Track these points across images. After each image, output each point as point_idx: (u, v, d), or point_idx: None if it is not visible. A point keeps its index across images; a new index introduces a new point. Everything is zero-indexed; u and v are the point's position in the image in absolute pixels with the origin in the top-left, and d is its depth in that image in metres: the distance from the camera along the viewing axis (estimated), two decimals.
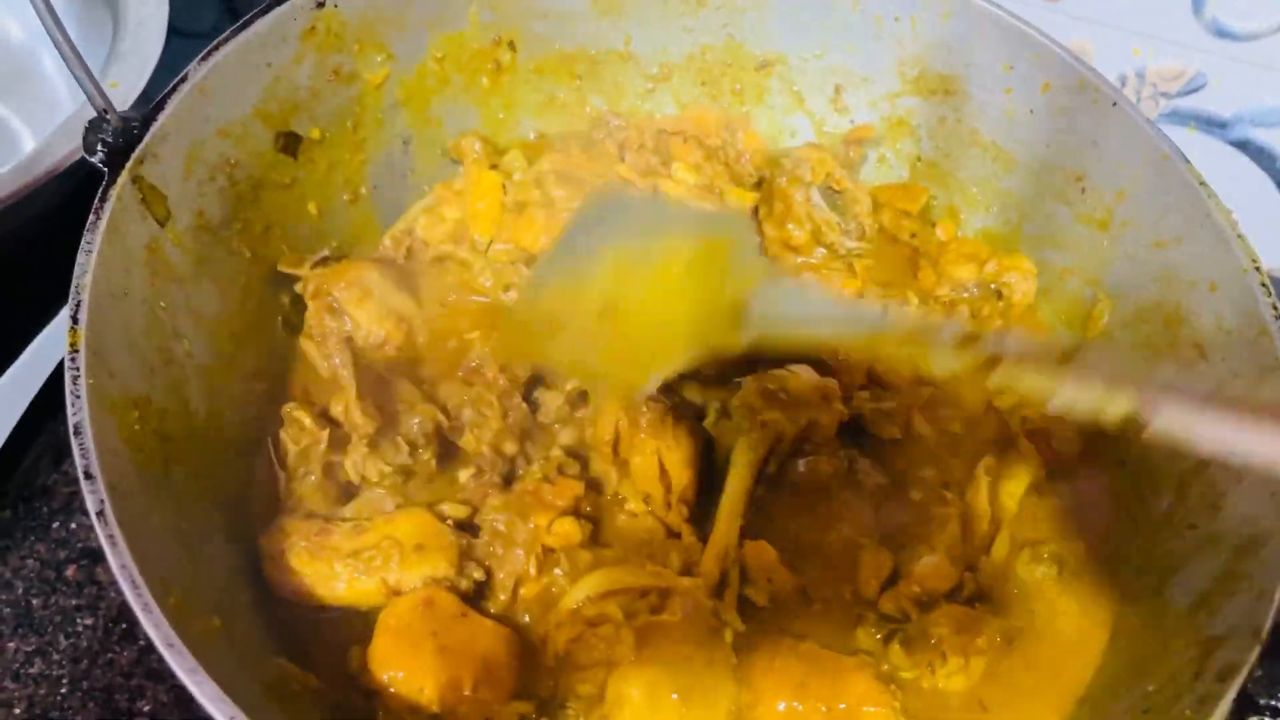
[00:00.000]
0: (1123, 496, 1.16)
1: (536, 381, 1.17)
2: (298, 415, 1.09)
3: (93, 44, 1.46)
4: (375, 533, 1.02)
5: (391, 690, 0.94)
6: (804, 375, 1.14)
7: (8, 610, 1.16)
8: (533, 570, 1.03)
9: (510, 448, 1.10)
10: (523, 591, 1.03)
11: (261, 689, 0.86)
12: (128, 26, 1.42)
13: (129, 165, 0.98)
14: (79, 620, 1.16)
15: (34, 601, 1.17)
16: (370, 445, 1.06)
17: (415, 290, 1.23)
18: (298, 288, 1.19)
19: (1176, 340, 1.14)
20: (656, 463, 1.07)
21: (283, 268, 1.18)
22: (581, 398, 1.13)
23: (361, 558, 1.00)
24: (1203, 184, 1.11)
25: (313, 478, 1.07)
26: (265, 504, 1.08)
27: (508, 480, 1.10)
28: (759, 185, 1.36)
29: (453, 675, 0.94)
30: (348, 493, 1.09)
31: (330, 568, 1.00)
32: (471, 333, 1.18)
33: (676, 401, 1.12)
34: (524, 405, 1.13)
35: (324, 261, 1.20)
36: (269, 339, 1.19)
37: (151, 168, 1.01)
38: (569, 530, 1.04)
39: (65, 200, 1.27)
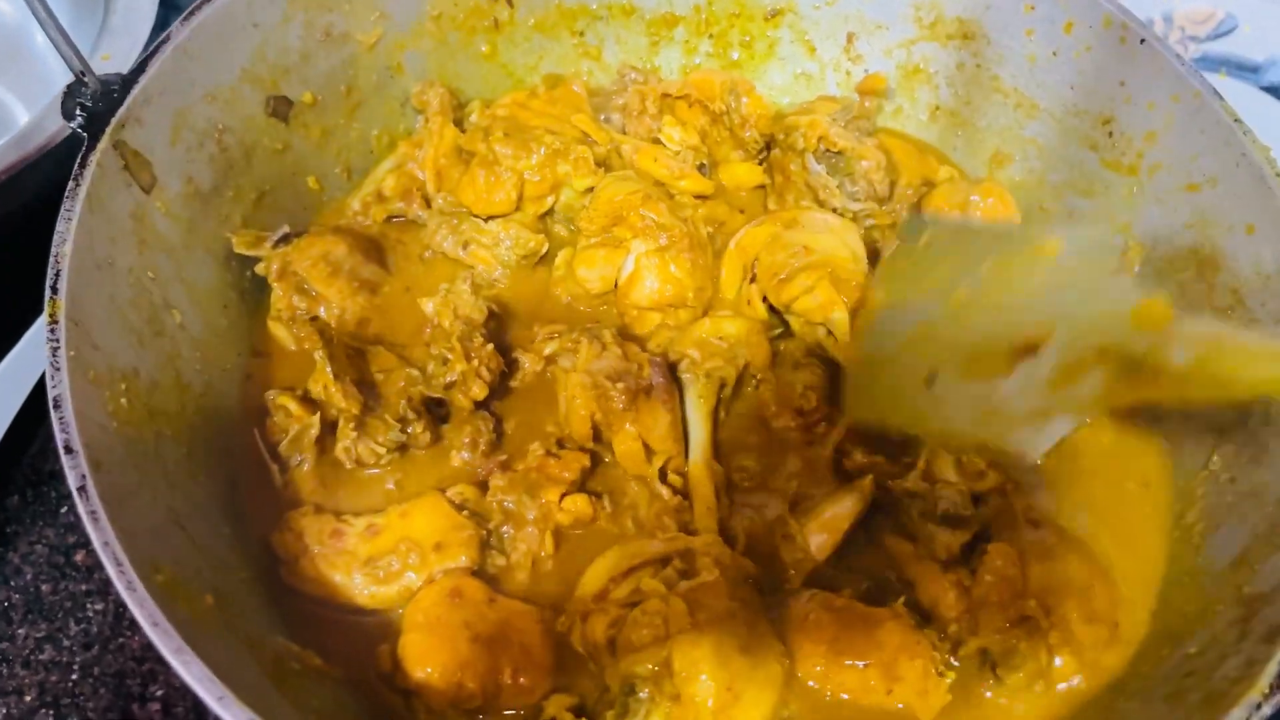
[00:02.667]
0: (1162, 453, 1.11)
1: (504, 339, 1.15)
2: (283, 402, 1.04)
3: (84, 18, 1.43)
4: (391, 533, 0.98)
5: (431, 687, 0.89)
6: (734, 322, 1.13)
7: (17, 597, 1.15)
8: (549, 548, 1.00)
9: (479, 390, 1.05)
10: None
11: (259, 668, 0.83)
12: (119, 3, 1.39)
13: (109, 130, 0.95)
14: (89, 606, 1.15)
15: (44, 587, 1.16)
16: (358, 426, 1.02)
17: (386, 256, 1.20)
18: (259, 269, 1.13)
19: (1212, 286, 1.09)
20: (640, 446, 1.04)
21: (239, 249, 1.12)
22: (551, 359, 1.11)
23: (381, 564, 0.97)
24: (1237, 121, 1.06)
25: (307, 466, 1.03)
26: (259, 487, 1.04)
27: (498, 437, 1.08)
28: (766, 150, 1.31)
29: (491, 664, 0.90)
30: (347, 476, 1.05)
31: (349, 576, 0.96)
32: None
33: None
34: (489, 346, 1.08)
35: (285, 239, 1.14)
36: (265, 310, 1.15)
37: (134, 132, 0.98)
38: (580, 506, 1.01)
39: (63, 178, 1.25)
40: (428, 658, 0.90)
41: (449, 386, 1.05)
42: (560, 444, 1.06)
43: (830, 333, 1.12)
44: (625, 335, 1.14)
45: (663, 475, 1.04)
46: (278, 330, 1.12)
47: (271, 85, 1.14)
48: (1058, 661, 0.93)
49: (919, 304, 0.99)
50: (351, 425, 1.01)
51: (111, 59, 1.32)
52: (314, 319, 1.08)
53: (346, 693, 0.91)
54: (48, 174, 1.22)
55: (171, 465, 0.93)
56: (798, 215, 1.20)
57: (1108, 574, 0.97)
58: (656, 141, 1.28)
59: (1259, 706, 0.77)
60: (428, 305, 1.09)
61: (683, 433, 1.08)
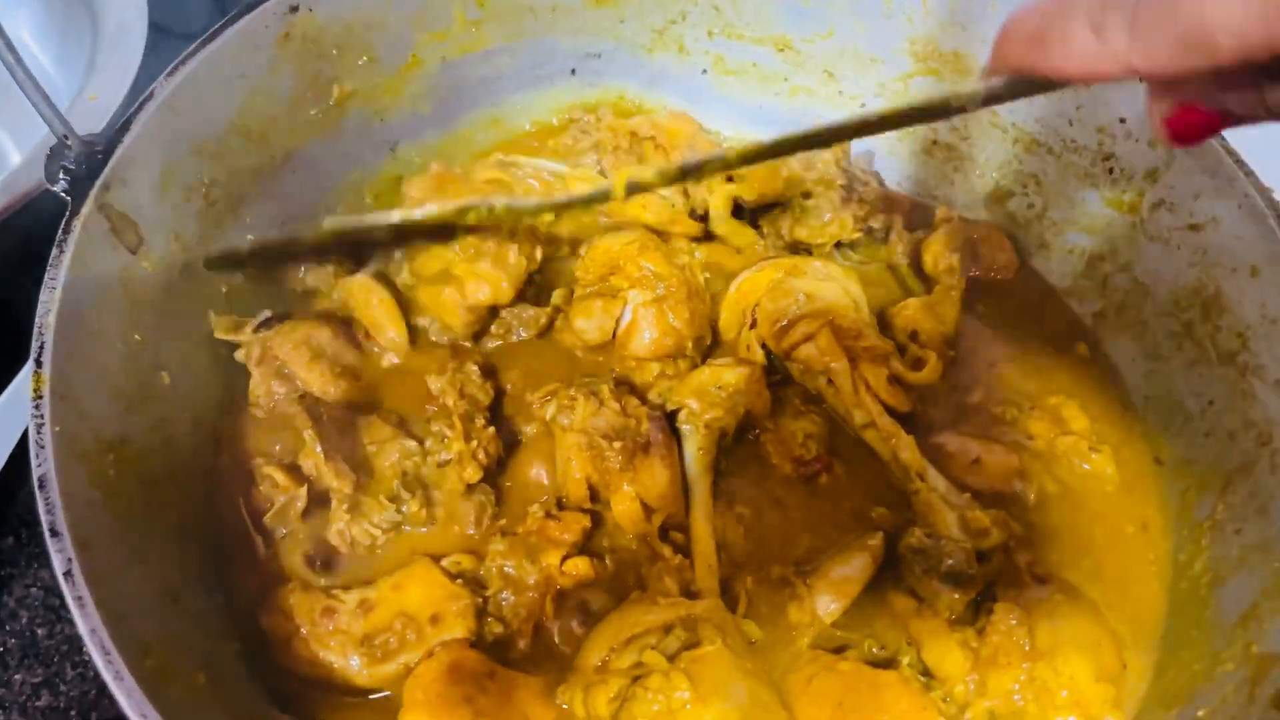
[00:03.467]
0: (1164, 499, 1.10)
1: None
2: (269, 471, 1.02)
3: (71, 55, 1.41)
4: (385, 608, 0.96)
5: None
6: (734, 370, 1.11)
7: (13, 641, 1.13)
8: (549, 612, 0.98)
9: (473, 473, 1.04)
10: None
11: None
12: (107, 35, 1.37)
13: (94, 193, 0.93)
14: (85, 649, 1.12)
15: (39, 631, 1.14)
16: (351, 506, 1.00)
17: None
18: (238, 355, 1.10)
19: (1217, 330, 1.08)
20: (638, 506, 1.03)
21: (219, 334, 1.09)
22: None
23: (378, 643, 0.94)
24: (1239, 162, 1.04)
25: (295, 542, 1.01)
26: (242, 553, 1.02)
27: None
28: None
29: None
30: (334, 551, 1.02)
31: (345, 657, 0.94)
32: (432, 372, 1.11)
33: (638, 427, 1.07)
34: (490, 430, 1.07)
35: (267, 323, 1.10)
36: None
37: (120, 194, 0.96)
38: (582, 569, 1.00)
39: (57, 215, 1.23)
40: None
41: (443, 464, 1.03)
42: (560, 504, 1.04)
43: (830, 382, 1.11)
44: (622, 383, 1.13)
45: (663, 533, 1.03)
46: (257, 416, 1.09)
47: (260, 136, 1.12)
48: None
49: None
50: (345, 506, 0.99)
51: (99, 98, 1.30)
52: (302, 396, 1.06)
53: None
54: (38, 216, 1.21)
55: (161, 535, 0.92)
56: (799, 263, 1.19)
57: (1115, 632, 0.96)
58: None
59: None
60: (434, 383, 1.08)
61: (682, 487, 1.06)
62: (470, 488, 1.04)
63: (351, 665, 0.93)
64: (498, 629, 0.97)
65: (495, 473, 1.07)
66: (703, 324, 1.17)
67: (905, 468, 1.06)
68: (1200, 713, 0.88)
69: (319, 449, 0.99)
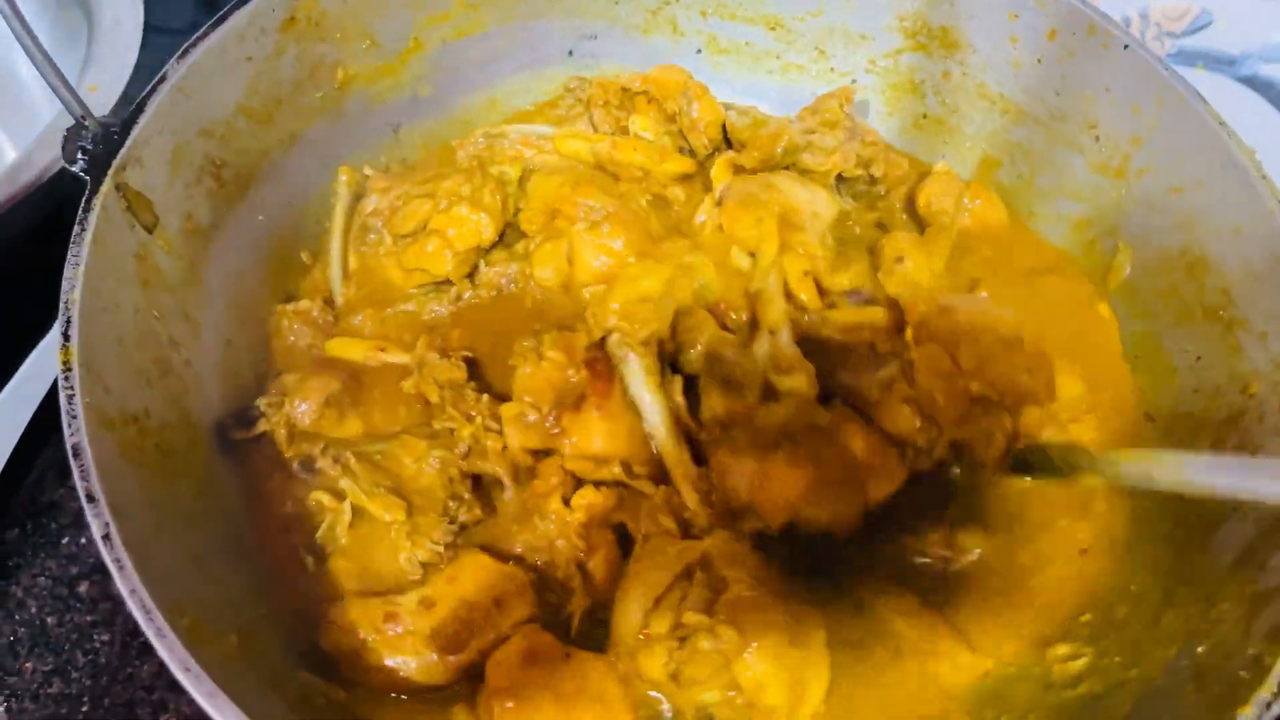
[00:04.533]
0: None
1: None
2: (316, 498, 1.03)
3: (66, 48, 1.42)
4: (446, 603, 0.96)
5: None
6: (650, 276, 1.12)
7: (23, 630, 1.14)
8: (581, 545, 1.00)
9: (495, 442, 1.05)
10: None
11: (285, 705, 0.84)
12: (103, 27, 1.38)
13: (111, 172, 0.94)
14: (95, 636, 1.14)
15: (49, 620, 1.15)
16: (411, 531, 1.01)
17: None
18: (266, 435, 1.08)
19: (1203, 287, 1.11)
20: (587, 462, 1.04)
21: (236, 436, 1.07)
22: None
23: (447, 635, 0.94)
24: (1222, 124, 1.08)
25: (351, 560, 1.00)
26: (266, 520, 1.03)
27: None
28: (711, 155, 1.32)
29: None
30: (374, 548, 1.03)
31: (420, 655, 0.94)
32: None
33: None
34: (484, 398, 1.08)
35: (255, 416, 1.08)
36: (268, 343, 1.15)
37: (135, 173, 0.97)
38: (590, 497, 1.01)
39: (54, 211, 1.25)
40: None
41: (466, 456, 1.04)
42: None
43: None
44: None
45: (629, 472, 1.03)
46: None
47: (266, 118, 1.14)
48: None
49: None
50: (405, 533, 1.00)
51: (98, 89, 1.31)
52: (325, 448, 1.05)
53: None
54: (36, 211, 1.22)
55: (186, 504, 0.94)
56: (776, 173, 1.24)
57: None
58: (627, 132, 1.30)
59: (1269, 705, 0.79)
60: (410, 385, 1.09)
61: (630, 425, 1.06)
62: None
63: (429, 660, 0.94)
64: (553, 598, 0.99)
65: None
66: (649, 240, 1.18)
67: (761, 322, 1.11)
68: (1199, 649, 0.91)
69: (361, 491, 1.00)
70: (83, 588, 1.17)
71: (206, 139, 1.07)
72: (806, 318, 1.14)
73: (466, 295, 1.19)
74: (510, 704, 0.89)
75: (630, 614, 0.95)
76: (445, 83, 1.31)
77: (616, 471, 1.03)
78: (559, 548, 1.00)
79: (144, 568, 0.78)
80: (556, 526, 1.01)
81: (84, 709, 1.10)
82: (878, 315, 1.14)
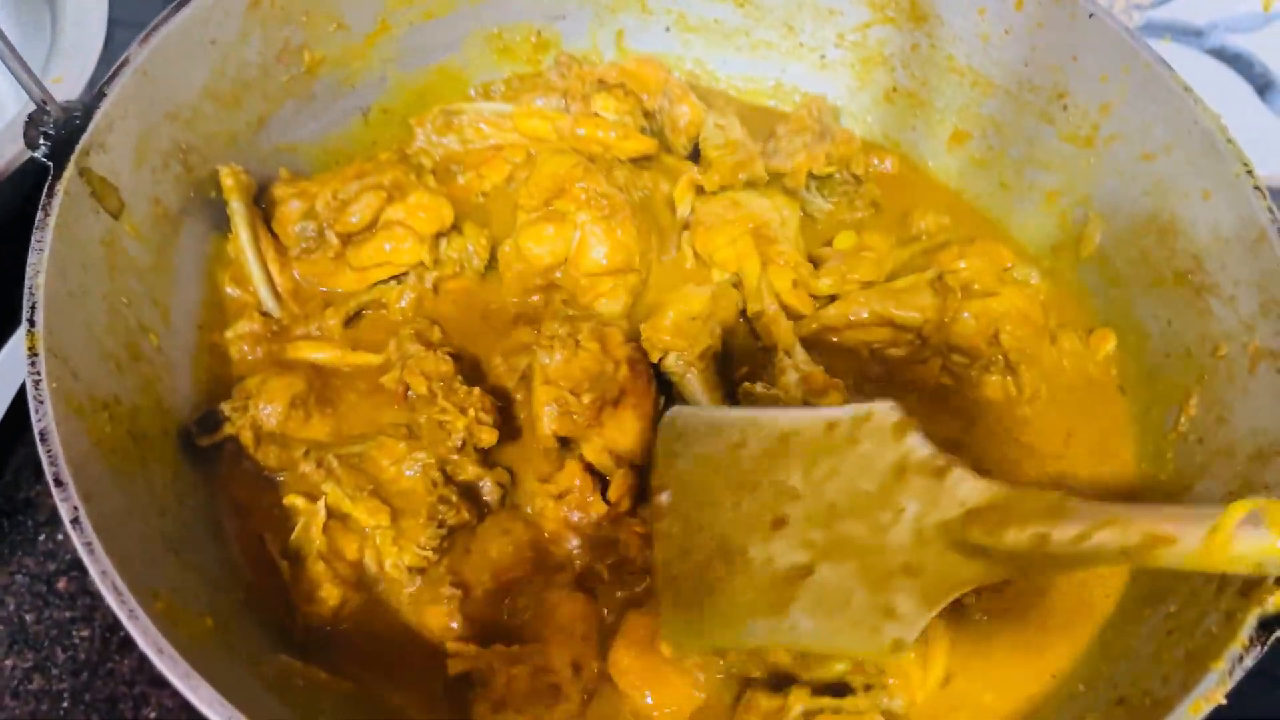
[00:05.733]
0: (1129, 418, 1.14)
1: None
2: (289, 501, 1.01)
3: (32, 39, 1.41)
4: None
5: None
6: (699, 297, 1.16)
7: (1, 628, 1.13)
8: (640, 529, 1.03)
9: (488, 436, 1.05)
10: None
11: (263, 686, 0.83)
12: (67, 19, 1.37)
13: (75, 157, 0.93)
14: (75, 633, 1.14)
15: (27, 617, 1.14)
16: (396, 536, 0.99)
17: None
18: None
19: (1173, 252, 1.11)
20: (608, 457, 1.05)
21: (201, 442, 1.04)
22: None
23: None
24: (1187, 90, 1.08)
25: (334, 572, 0.98)
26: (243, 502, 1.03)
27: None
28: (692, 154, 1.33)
29: None
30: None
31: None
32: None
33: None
34: (475, 390, 1.06)
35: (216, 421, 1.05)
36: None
37: (99, 158, 0.97)
38: (629, 481, 1.04)
39: (22, 204, 1.23)
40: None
41: (460, 450, 1.04)
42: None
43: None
44: (574, 306, 1.17)
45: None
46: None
47: (233, 102, 1.13)
48: None
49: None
50: (391, 539, 0.99)
51: (63, 80, 1.30)
52: (307, 452, 1.03)
53: (355, 705, 0.91)
54: (3, 205, 1.21)
55: (160, 490, 0.93)
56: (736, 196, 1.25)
57: None
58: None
59: (1240, 659, 0.80)
60: (389, 382, 1.08)
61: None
62: (489, 465, 1.06)
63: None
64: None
65: (509, 432, 1.09)
66: (646, 240, 1.20)
67: (776, 344, 1.13)
68: (1173, 608, 0.92)
69: (344, 495, 0.99)
70: (61, 584, 1.16)
71: (172, 123, 1.06)
72: (825, 337, 1.18)
73: (430, 279, 1.18)
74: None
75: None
76: (413, 64, 1.31)
77: (628, 470, 1.05)
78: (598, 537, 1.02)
79: (115, 550, 0.78)
80: (598, 527, 1.02)
81: (64, 705, 1.09)
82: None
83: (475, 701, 0.92)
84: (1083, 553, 0.74)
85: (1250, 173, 1.03)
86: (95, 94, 0.97)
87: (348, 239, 1.16)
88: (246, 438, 1.04)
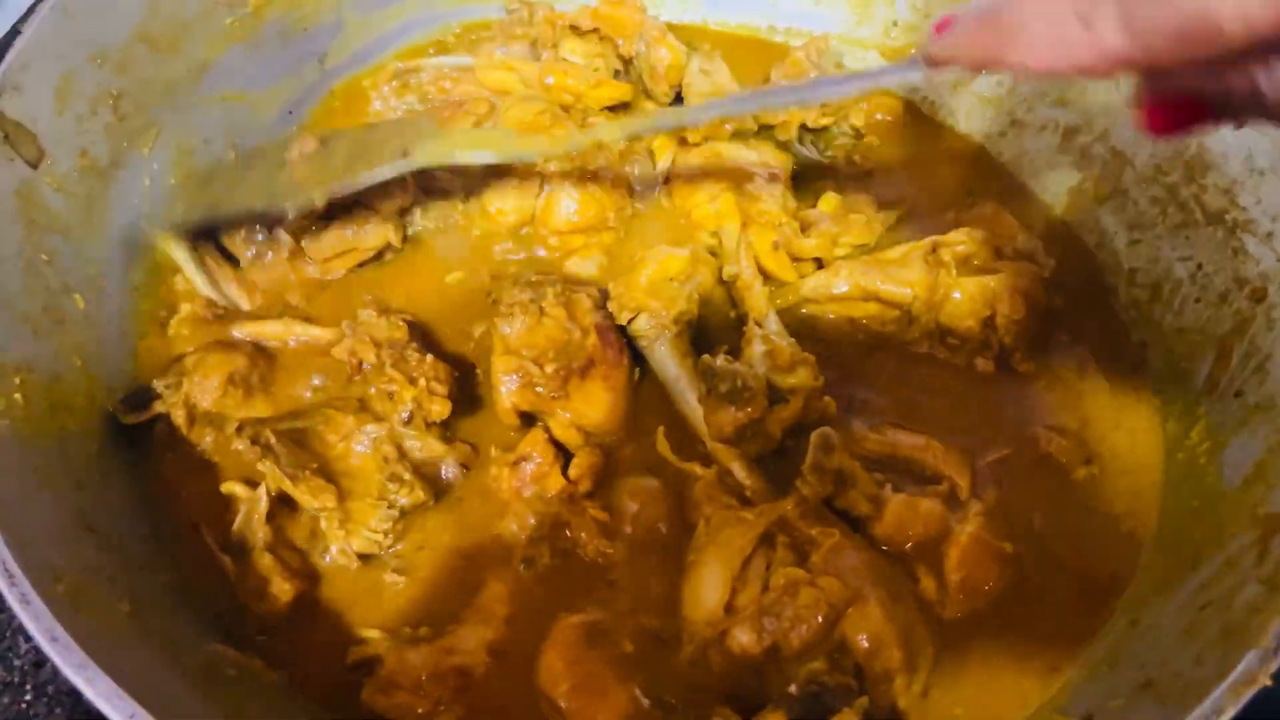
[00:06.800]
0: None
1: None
2: (227, 489, 0.92)
3: None
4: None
5: None
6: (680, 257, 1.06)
7: None
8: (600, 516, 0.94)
9: (440, 409, 0.96)
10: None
11: (185, 677, 0.75)
12: None
13: None
14: None
15: None
16: (343, 519, 0.91)
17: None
18: (160, 426, 0.98)
19: (1202, 189, 1.02)
20: (576, 433, 0.98)
21: (126, 420, 0.96)
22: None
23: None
24: None
25: (268, 558, 0.89)
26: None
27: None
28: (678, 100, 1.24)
29: None
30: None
31: None
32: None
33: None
34: (428, 358, 0.98)
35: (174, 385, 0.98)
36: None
37: (13, 101, 0.89)
38: (591, 459, 0.96)
39: None
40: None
41: (408, 422, 0.95)
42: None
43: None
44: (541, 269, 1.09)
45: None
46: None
47: (169, 45, 1.04)
48: None
49: None
50: (336, 522, 0.90)
51: None
52: (240, 427, 0.94)
53: (289, 697, 0.83)
54: None
55: (79, 464, 0.86)
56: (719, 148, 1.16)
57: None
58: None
59: None
60: (341, 352, 0.99)
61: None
62: (449, 440, 0.98)
63: None
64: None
65: (466, 405, 1.00)
66: (624, 193, 1.12)
67: (748, 312, 1.04)
68: (1205, 577, 0.82)
69: (284, 474, 0.90)
70: None
71: (99, 66, 0.98)
72: (805, 310, 1.08)
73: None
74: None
75: (706, 595, 0.86)
76: (369, 6, 1.22)
77: (594, 449, 0.97)
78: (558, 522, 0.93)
79: (14, 529, 0.71)
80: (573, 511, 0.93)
81: (27, 698, 1.02)
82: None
83: (365, 684, 0.84)
84: None
85: None
86: (7, 33, 0.90)
87: (301, 233, 1.07)
88: (178, 417, 0.95)
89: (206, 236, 1.07)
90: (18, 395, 0.82)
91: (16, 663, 1.05)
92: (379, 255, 1.11)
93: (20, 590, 0.67)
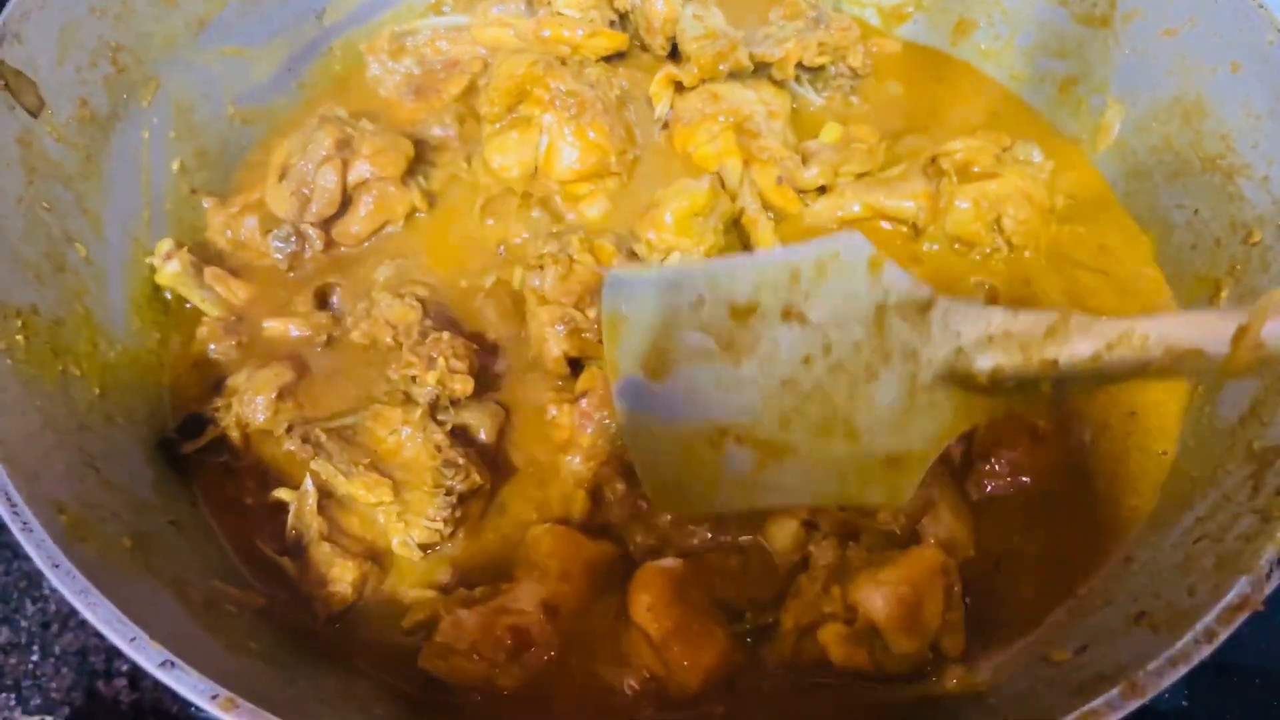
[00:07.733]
0: None
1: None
2: (277, 496, 0.92)
3: None
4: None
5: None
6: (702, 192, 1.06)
7: None
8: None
9: (463, 385, 0.94)
10: None
11: (187, 611, 0.76)
12: None
13: None
14: (44, 584, 1.08)
15: None
16: (402, 511, 0.90)
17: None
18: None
19: (1200, 136, 1.02)
20: None
21: (187, 449, 0.95)
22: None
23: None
24: None
25: (326, 547, 0.88)
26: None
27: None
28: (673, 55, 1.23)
29: None
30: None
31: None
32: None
33: None
34: (444, 335, 0.96)
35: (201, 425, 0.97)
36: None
37: (13, 49, 0.89)
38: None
39: None
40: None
41: (434, 404, 0.94)
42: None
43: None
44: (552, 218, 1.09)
45: None
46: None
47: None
48: None
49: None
50: (395, 514, 0.89)
51: None
52: (290, 428, 0.93)
53: (289, 633, 0.84)
54: None
55: (82, 407, 0.87)
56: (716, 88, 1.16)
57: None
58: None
59: (1278, 562, 0.70)
60: (357, 335, 0.99)
61: None
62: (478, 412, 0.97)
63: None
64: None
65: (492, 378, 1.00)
66: (625, 138, 1.12)
67: (756, 245, 1.06)
68: (1201, 513, 0.83)
69: (339, 473, 0.89)
70: None
71: (99, 18, 0.99)
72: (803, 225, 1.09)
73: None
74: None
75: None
76: None
77: None
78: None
79: (18, 463, 0.72)
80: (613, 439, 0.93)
81: (34, 658, 1.05)
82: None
83: (422, 649, 0.83)
84: (1101, 373, 0.69)
85: None
86: None
87: (328, 224, 1.07)
88: (234, 437, 0.95)
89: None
90: (19, 337, 0.83)
91: (24, 624, 1.07)
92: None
93: (22, 518, 0.68)
